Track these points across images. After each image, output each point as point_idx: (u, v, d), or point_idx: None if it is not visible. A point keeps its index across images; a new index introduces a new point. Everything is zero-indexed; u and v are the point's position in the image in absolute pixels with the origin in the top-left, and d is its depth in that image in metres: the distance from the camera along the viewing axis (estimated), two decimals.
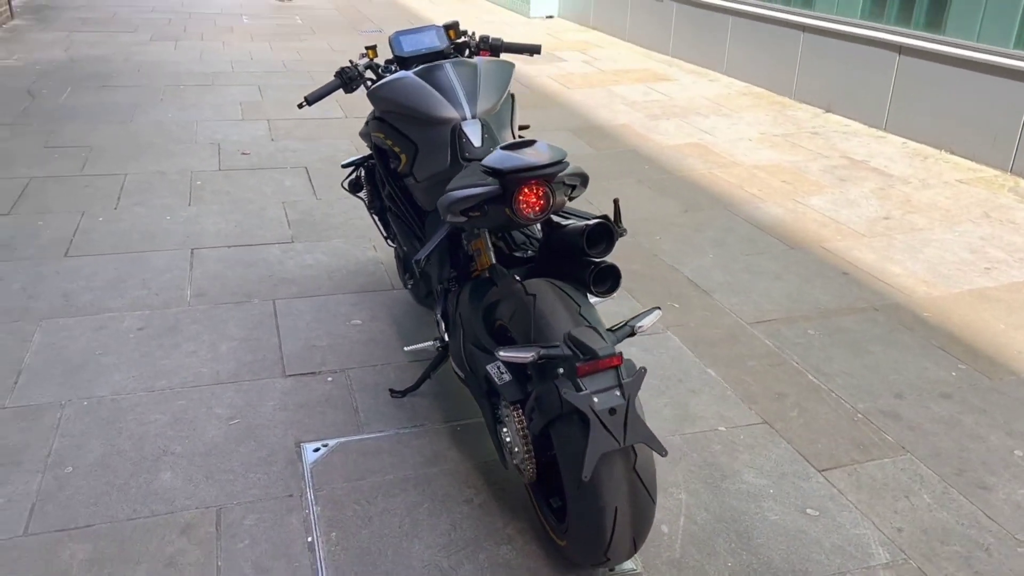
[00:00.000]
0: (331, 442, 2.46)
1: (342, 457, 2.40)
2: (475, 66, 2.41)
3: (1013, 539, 2.18)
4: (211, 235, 3.92)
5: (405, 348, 2.62)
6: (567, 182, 1.93)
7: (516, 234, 2.33)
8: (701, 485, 2.36)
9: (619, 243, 4.03)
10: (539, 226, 2.32)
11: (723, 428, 2.63)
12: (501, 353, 1.70)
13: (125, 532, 2.08)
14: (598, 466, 1.68)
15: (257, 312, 3.21)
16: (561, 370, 1.70)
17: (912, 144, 5.77)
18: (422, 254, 2.13)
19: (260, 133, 5.58)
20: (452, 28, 2.76)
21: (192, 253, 3.72)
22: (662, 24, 8.85)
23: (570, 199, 2.00)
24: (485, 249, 2.20)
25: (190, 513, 2.15)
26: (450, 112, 2.25)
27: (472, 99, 2.28)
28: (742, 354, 3.06)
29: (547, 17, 11.37)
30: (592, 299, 2.15)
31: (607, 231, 1.99)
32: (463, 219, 1.93)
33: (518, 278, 2.02)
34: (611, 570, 2.02)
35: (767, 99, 7.02)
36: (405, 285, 2.16)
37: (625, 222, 4.33)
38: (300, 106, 2.63)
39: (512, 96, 2.54)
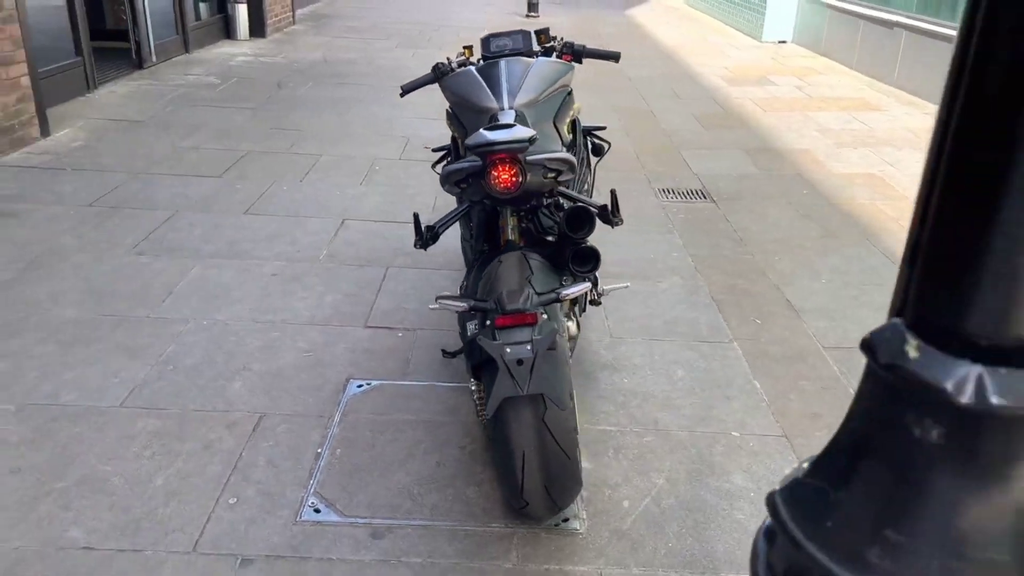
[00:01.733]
0: (374, 382, 2.84)
1: (377, 395, 2.77)
2: (528, 64, 2.68)
3: None
4: (364, 210, 4.49)
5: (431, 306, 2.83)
6: (548, 165, 2.14)
7: (544, 219, 2.57)
8: (684, 476, 2.45)
9: (728, 257, 4.06)
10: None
11: (736, 433, 2.67)
12: (438, 299, 1.98)
13: (187, 418, 2.60)
14: (507, 411, 1.90)
15: (369, 275, 3.69)
16: (488, 322, 1.94)
17: None
18: (438, 223, 2.45)
19: (448, 132, 6.16)
20: (542, 33, 3.04)
21: (342, 222, 4.30)
22: (889, 52, 8.40)
23: (557, 183, 2.21)
24: (506, 227, 2.47)
25: (240, 414, 2.63)
26: (491, 102, 2.54)
27: (514, 92, 2.55)
28: (800, 374, 3.04)
29: (779, 42, 11.13)
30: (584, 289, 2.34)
31: (590, 216, 2.18)
32: (457, 190, 2.21)
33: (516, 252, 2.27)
34: (555, 524, 2.20)
35: None
36: (424, 248, 2.45)
37: (756, 242, 4.33)
38: (401, 95, 3.05)
39: (568, 94, 2.77)
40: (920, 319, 0.45)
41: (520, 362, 1.85)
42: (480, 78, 2.62)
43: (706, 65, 9.42)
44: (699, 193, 5.05)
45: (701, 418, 2.74)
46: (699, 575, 2.08)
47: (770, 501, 0.50)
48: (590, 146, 3.33)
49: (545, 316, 1.94)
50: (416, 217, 2.42)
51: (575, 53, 3.01)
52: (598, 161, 3.38)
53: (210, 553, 2.07)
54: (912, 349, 0.45)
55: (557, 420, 1.92)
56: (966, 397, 0.43)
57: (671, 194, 5.01)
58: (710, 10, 14.20)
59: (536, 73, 2.64)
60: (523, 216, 2.55)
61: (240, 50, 9.04)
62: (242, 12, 9.47)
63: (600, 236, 4.17)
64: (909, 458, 0.46)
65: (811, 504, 0.51)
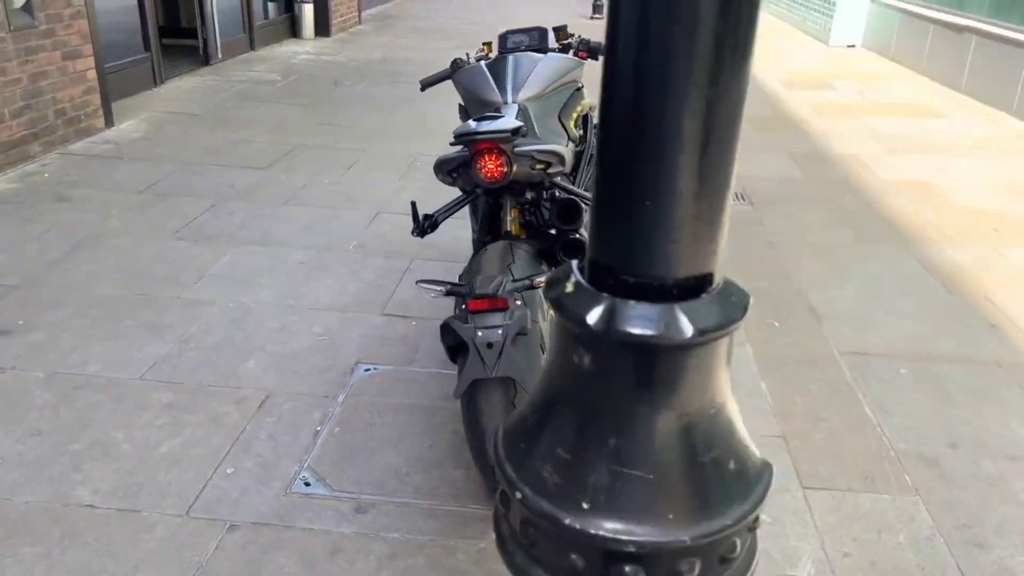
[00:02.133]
0: (381, 367, 2.93)
1: (382, 379, 2.86)
2: (536, 59, 2.72)
3: None
4: (399, 204, 4.59)
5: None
6: (536, 157, 2.19)
7: (546, 212, 2.61)
8: None
9: (756, 260, 4.02)
10: None
11: None
12: (419, 282, 2.04)
13: (199, 393, 2.73)
14: (478, 394, 1.96)
15: (395, 265, 3.79)
16: (464, 306, 2.00)
17: None
18: (438, 212, 2.52)
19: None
20: (560, 30, 3.09)
21: (376, 215, 4.41)
22: (958, 58, 8.13)
23: (547, 174, 2.26)
24: (505, 219, 2.52)
25: (249, 391, 2.75)
26: (495, 96, 2.60)
27: (518, 87, 2.60)
28: (810, 378, 3.00)
29: (848, 47, 10.87)
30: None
31: (579, 208, 2.22)
32: (450, 180, 2.28)
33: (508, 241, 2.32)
34: None
35: None
36: (421, 235, 2.52)
37: (788, 246, 4.27)
38: (421, 89, 3.14)
39: (578, 90, 2.80)
40: (589, 261, 0.50)
41: (490, 345, 1.91)
42: (488, 73, 2.68)
43: (766, 69, 9.27)
44: (737, 196, 5.00)
45: None
46: None
47: (493, 441, 0.55)
48: None
49: (519, 302, 1.99)
50: (414, 205, 2.50)
51: (591, 50, 3.05)
52: None
53: (201, 517, 2.18)
54: (569, 285, 0.50)
55: None
56: (598, 325, 0.47)
57: None
58: (780, 13, 13.96)
59: (542, 68, 2.68)
60: (526, 209, 2.60)
61: (304, 49, 9.31)
62: (308, 12, 9.75)
63: None
64: (575, 385, 0.51)
65: (517, 437, 0.56)
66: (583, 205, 2.30)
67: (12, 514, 2.16)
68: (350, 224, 4.28)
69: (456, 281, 2.09)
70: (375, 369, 2.92)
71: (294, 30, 9.82)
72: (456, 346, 2.01)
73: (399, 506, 2.26)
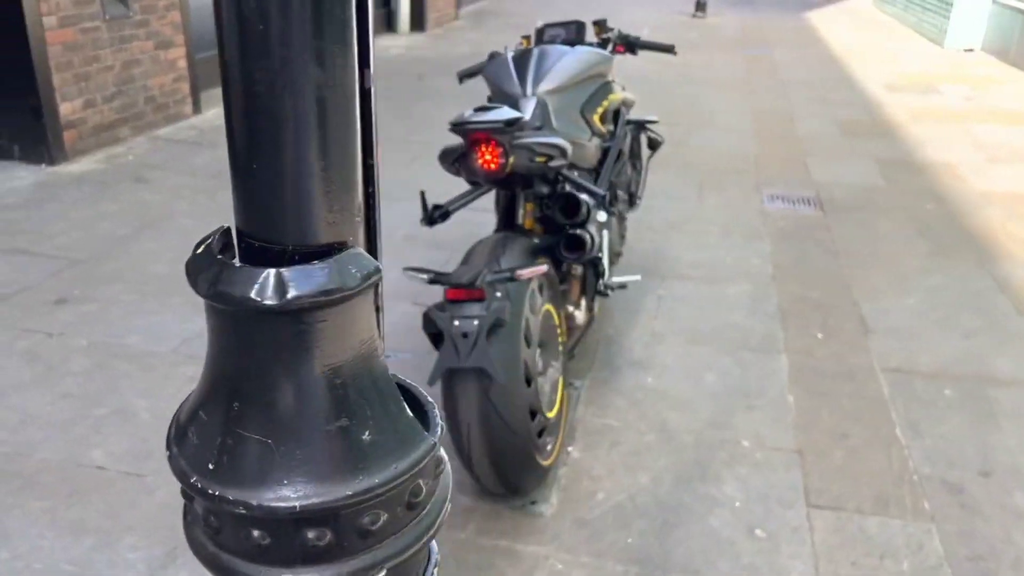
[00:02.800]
0: (400, 355, 2.97)
1: (400, 366, 2.88)
2: (562, 52, 2.69)
3: None
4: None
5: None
6: (536, 149, 2.16)
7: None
8: (671, 477, 2.39)
9: (814, 268, 3.85)
10: None
11: (747, 443, 2.56)
12: (405, 269, 2.06)
13: None
14: (455, 384, 1.95)
15: (436, 257, 3.83)
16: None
17: None
18: (450, 202, 2.52)
19: None
20: (599, 24, 3.04)
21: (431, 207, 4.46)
22: None
23: (549, 168, 2.23)
24: (518, 211, 2.51)
25: None
26: (514, 89, 2.58)
27: (538, 79, 2.58)
28: (843, 392, 2.85)
29: (966, 50, 10.24)
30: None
31: (580, 204, 2.19)
32: (453, 170, 2.28)
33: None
34: (522, 505, 2.23)
35: None
36: (429, 225, 2.55)
37: (852, 255, 4.07)
38: (460, 81, 3.16)
39: (605, 84, 2.75)
40: (238, 236, 0.50)
41: (465, 335, 1.90)
42: (511, 66, 2.67)
43: (871, 71, 8.86)
44: (809, 201, 4.80)
45: (714, 424, 2.65)
46: (646, 574, 2.04)
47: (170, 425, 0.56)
48: (644, 140, 3.29)
49: (499, 294, 1.97)
50: (423, 195, 2.51)
51: (628, 44, 2.99)
52: (651, 156, 3.32)
53: None
54: (201, 248, 0.50)
55: (503, 396, 1.95)
56: (204, 287, 0.48)
57: (778, 200, 4.80)
58: (898, 14, 13.29)
59: (566, 62, 2.65)
60: (544, 203, 2.58)
61: (396, 42, 9.52)
62: (404, 6, 9.95)
63: (680, 239, 4.09)
64: (209, 348, 0.52)
65: (182, 407, 0.57)
66: (586, 200, 2.26)
67: (28, 469, 2.30)
68: (402, 214, 4.33)
69: (441, 270, 2.10)
70: (395, 356, 2.96)
71: (390, 23, 10.05)
72: (437, 334, 2.02)
73: None
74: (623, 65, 3.35)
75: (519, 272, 1.98)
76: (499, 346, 1.93)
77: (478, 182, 2.37)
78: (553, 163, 2.22)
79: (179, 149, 5.24)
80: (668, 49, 3.05)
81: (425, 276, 2.03)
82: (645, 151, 3.39)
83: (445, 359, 1.91)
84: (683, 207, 4.64)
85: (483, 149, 2.13)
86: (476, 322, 1.91)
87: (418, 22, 10.15)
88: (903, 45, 10.80)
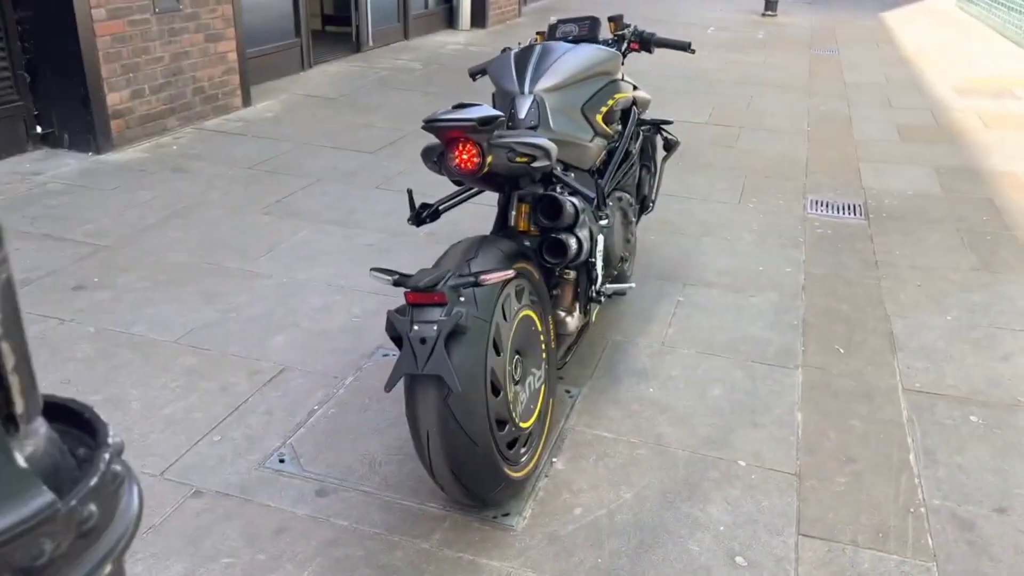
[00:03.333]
0: (393, 354, 2.92)
1: (380, 364, 2.85)
2: (564, 49, 2.60)
3: None
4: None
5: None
6: (516, 149, 2.08)
7: None
8: (656, 495, 2.28)
9: (848, 280, 3.66)
10: None
11: (743, 463, 2.43)
12: (372, 270, 2.00)
13: (221, 361, 2.84)
14: (415, 390, 1.89)
15: None
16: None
17: None
18: (439, 202, 2.46)
19: None
20: (615, 20, 2.94)
21: None
22: None
23: (532, 168, 2.14)
24: (510, 213, 2.43)
25: (266, 363, 2.83)
26: (512, 86, 2.50)
27: (537, 77, 2.49)
28: (856, 413, 2.69)
29: None
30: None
31: (560, 206, 2.10)
32: (436, 168, 2.22)
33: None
34: (494, 516, 2.16)
35: None
36: (416, 224, 2.49)
37: (892, 266, 3.86)
38: (472, 79, 3.10)
39: (610, 83, 2.65)
40: None
41: (423, 340, 1.84)
42: (512, 63, 2.60)
43: (943, 73, 8.45)
44: (855, 209, 4.58)
45: (712, 441, 2.53)
46: None
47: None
48: (659, 142, 3.16)
49: (462, 299, 1.90)
50: (410, 193, 2.46)
51: (644, 42, 2.88)
52: (666, 158, 3.20)
53: (172, 480, 2.27)
54: None
55: (462, 405, 1.88)
56: None
57: (822, 207, 4.60)
58: (980, 14, 12.67)
59: (568, 59, 2.56)
60: (538, 206, 2.49)
61: (455, 39, 9.51)
62: (465, 3, 9.93)
63: (711, 243, 3.94)
64: None
65: None
66: (573, 203, 2.17)
67: None
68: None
69: (406, 272, 2.04)
70: (392, 355, 2.92)
71: (450, 20, 10.05)
72: (398, 338, 1.96)
73: (359, 494, 2.24)
74: (680, 64, 3.22)
75: (483, 277, 1.91)
76: (460, 353, 1.87)
77: (454, 180, 2.30)
78: (536, 164, 2.13)
79: (222, 140, 5.32)
80: (684, 47, 2.93)
81: (389, 278, 1.98)
82: (661, 153, 3.28)
83: (402, 365, 1.86)
84: (720, 211, 4.48)
85: (460, 148, 2.06)
86: (435, 327, 1.85)
87: (479, 19, 10.12)
88: (982, 47, 10.27)
